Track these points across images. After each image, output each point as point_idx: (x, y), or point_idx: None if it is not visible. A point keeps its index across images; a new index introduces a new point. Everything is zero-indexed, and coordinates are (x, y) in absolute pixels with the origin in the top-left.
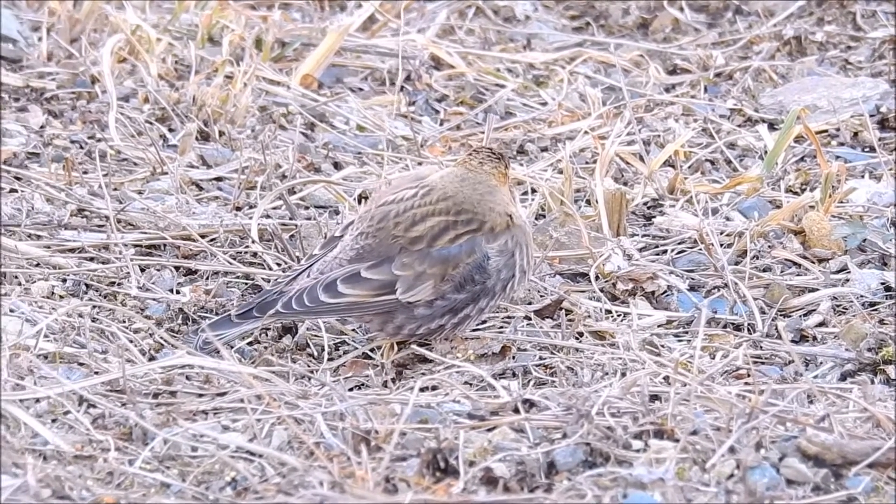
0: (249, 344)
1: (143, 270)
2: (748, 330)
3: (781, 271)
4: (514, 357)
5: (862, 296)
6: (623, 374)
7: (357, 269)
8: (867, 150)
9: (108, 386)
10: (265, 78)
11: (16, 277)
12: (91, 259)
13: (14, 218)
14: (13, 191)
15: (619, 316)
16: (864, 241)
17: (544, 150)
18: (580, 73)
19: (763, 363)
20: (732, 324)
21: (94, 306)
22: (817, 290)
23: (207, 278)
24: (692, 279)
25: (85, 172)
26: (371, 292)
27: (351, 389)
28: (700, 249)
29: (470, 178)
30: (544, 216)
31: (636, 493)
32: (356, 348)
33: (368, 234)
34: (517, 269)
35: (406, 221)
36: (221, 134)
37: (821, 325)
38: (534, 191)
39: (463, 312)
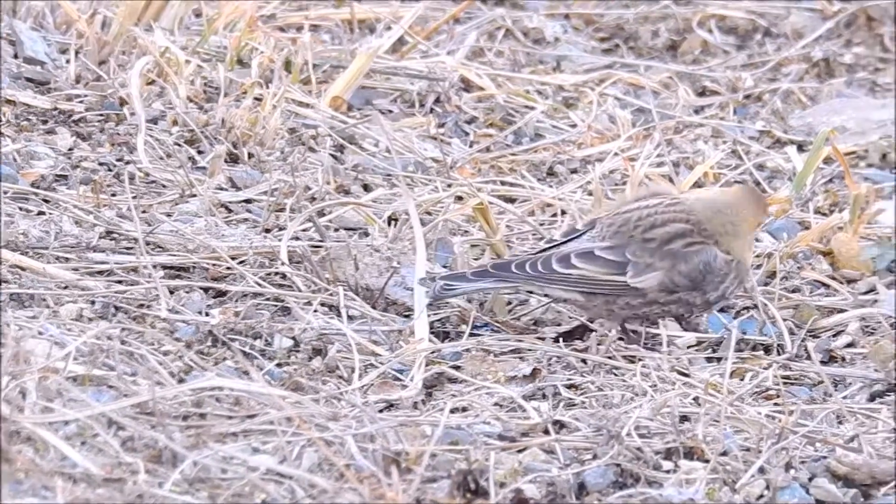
0: (279, 365)
1: (172, 293)
2: (777, 351)
3: (810, 292)
4: (543, 378)
5: (890, 316)
6: (653, 396)
7: (592, 248)
8: (895, 171)
9: (138, 408)
10: (294, 100)
11: (44, 300)
12: (120, 281)
13: (42, 241)
14: (41, 213)
15: (650, 337)
16: (893, 261)
17: (574, 171)
18: (609, 94)
19: (792, 384)
20: (762, 345)
21: (123, 328)
22: (846, 310)
23: (237, 300)
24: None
25: (113, 195)
26: (602, 270)
27: (381, 411)
28: None
29: (725, 211)
30: None
31: None
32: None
33: (606, 237)
34: (723, 287)
35: (646, 224)
36: (250, 156)
37: (849, 345)
38: (563, 213)
39: (677, 294)
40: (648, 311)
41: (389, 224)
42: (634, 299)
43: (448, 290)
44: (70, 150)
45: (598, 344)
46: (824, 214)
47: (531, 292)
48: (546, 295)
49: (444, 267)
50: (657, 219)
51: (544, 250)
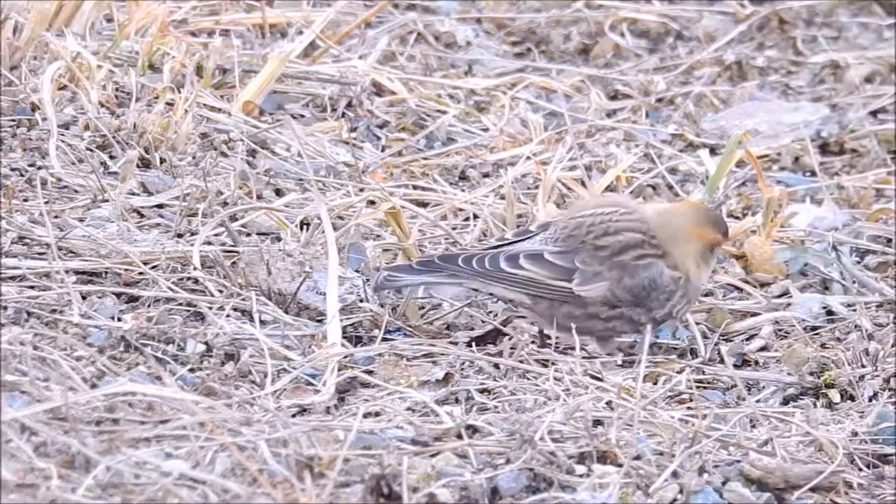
0: (191, 371)
1: (84, 298)
2: (691, 354)
3: (723, 296)
4: (456, 383)
5: (804, 320)
6: (566, 400)
7: (542, 251)
8: (808, 174)
9: (51, 414)
10: (206, 105)
11: None
12: (32, 287)
13: None
14: None
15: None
16: (806, 265)
17: (486, 175)
18: (522, 98)
19: (706, 388)
20: (675, 349)
21: (36, 334)
22: (759, 314)
23: (149, 305)
24: None
25: (25, 200)
26: (549, 274)
27: (294, 416)
28: None
29: (674, 222)
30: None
31: None
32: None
33: (559, 240)
34: (670, 305)
35: (598, 231)
36: (162, 161)
37: (763, 349)
38: (476, 217)
39: (619, 310)
40: (591, 325)
41: (302, 229)
42: (577, 309)
43: (391, 280)
44: None
45: (511, 348)
46: (737, 218)
47: (476, 290)
48: (491, 294)
49: (357, 272)
50: (610, 226)
51: (495, 247)
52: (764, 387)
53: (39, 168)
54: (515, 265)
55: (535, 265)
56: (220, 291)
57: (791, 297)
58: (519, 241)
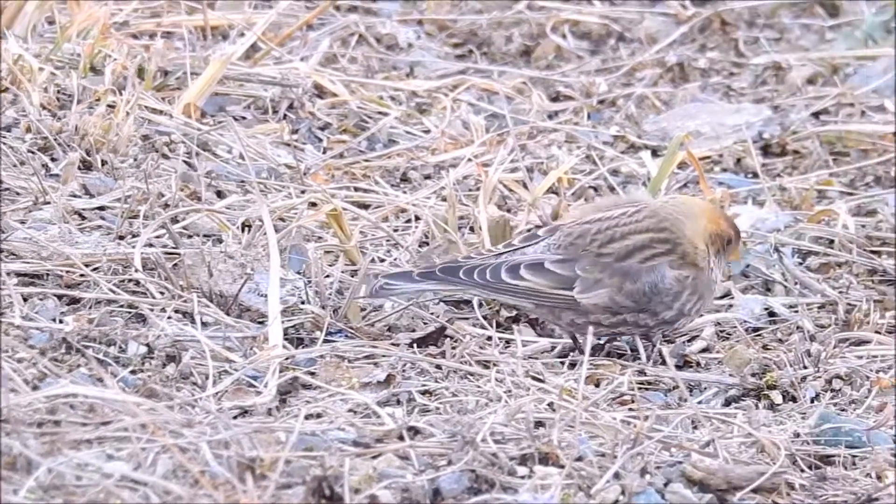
0: (133, 372)
1: (25, 300)
2: (632, 356)
3: None
4: (398, 384)
5: (746, 321)
6: (507, 401)
7: (542, 260)
8: (750, 176)
9: None
10: (148, 107)
11: None
12: None
13: None
14: None
15: (502, 343)
16: (748, 266)
17: (428, 177)
18: (463, 100)
19: (647, 389)
20: (616, 350)
21: None
22: (701, 315)
23: (91, 307)
24: None
25: None
26: (550, 284)
27: (235, 417)
28: None
29: (675, 202)
30: (428, 244)
31: None
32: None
33: (561, 247)
34: (678, 305)
35: (603, 238)
36: (104, 163)
37: (705, 350)
38: (417, 218)
39: (622, 317)
40: (596, 332)
41: (243, 230)
42: (579, 317)
43: (388, 288)
44: None
45: (453, 349)
46: None
47: (475, 295)
48: (493, 299)
49: (298, 273)
50: (616, 232)
51: (498, 255)
52: (706, 388)
53: None
54: (517, 276)
55: (536, 275)
56: (162, 293)
57: (733, 298)
58: (524, 247)
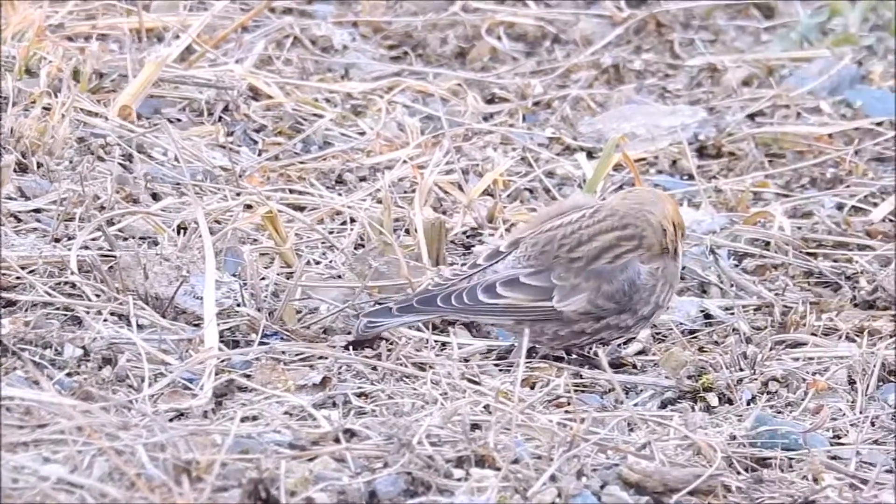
0: (69, 375)
1: None
2: (568, 358)
3: None
4: (334, 387)
5: (681, 323)
6: (443, 404)
7: (517, 275)
8: (686, 177)
9: None
10: (83, 109)
11: None
12: None
13: None
14: None
15: (439, 345)
16: (684, 268)
17: (363, 179)
18: (398, 102)
19: (583, 391)
20: (550, 353)
21: None
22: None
23: (26, 310)
24: None
25: None
26: (529, 297)
27: (171, 420)
28: None
29: (632, 196)
30: (363, 246)
31: None
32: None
33: (531, 256)
34: (654, 298)
35: (572, 243)
36: (39, 165)
37: (641, 353)
38: (353, 221)
39: (605, 321)
40: (578, 342)
41: (179, 233)
42: (563, 329)
43: (372, 326)
44: None
45: (389, 351)
46: None
47: (456, 319)
48: (473, 322)
49: (234, 276)
50: (583, 234)
51: (468, 277)
52: (642, 390)
53: None
54: (494, 295)
55: (514, 290)
56: (98, 296)
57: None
58: (491, 264)
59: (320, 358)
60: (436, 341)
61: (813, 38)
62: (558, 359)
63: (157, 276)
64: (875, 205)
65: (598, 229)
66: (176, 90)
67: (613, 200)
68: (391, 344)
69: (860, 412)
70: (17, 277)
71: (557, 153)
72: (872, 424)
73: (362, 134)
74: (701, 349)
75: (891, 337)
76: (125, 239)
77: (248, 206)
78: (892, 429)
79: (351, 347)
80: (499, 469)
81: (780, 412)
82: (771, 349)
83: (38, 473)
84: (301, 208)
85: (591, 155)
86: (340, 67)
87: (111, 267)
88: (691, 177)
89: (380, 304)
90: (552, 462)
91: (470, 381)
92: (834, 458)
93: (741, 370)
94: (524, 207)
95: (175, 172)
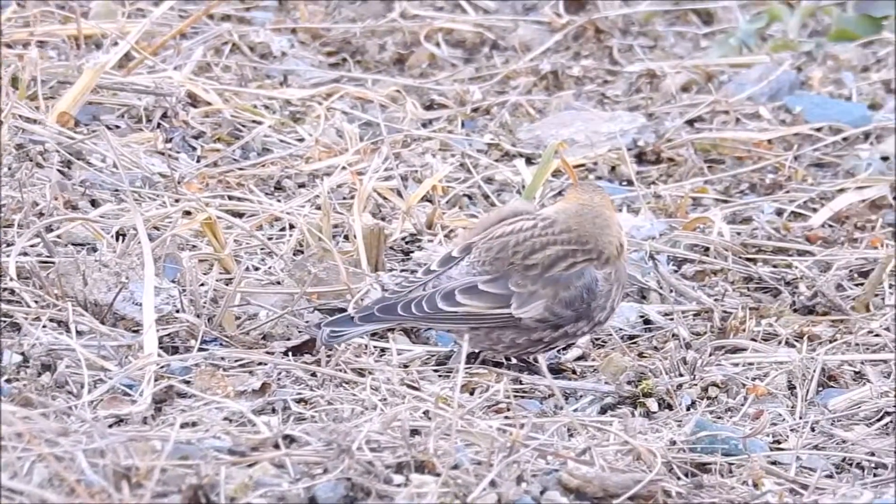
0: (8, 381)
1: None
2: (507, 364)
3: None
4: (273, 392)
5: (621, 329)
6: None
7: (474, 283)
8: (625, 183)
9: None
10: (21, 116)
11: None
12: None
13: None
14: None
15: (378, 351)
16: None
17: (302, 186)
18: (337, 108)
19: (523, 397)
20: (492, 359)
21: None
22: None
23: None
24: None
25: None
26: (487, 305)
27: (111, 426)
28: None
29: (586, 212)
30: (302, 252)
31: None
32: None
33: (486, 262)
34: (609, 303)
35: (525, 250)
36: None
37: (580, 358)
38: (292, 227)
39: (563, 329)
40: (535, 350)
41: (118, 239)
42: (520, 336)
43: (336, 335)
44: None
45: (328, 357)
46: None
47: (416, 326)
48: (430, 328)
49: (173, 282)
50: (536, 242)
51: (424, 284)
52: (581, 396)
53: None
54: (453, 302)
55: (472, 298)
56: (37, 302)
57: None
58: (446, 270)
59: (259, 364)
60: (375, 347)
61: (752, 43)
62: (498, 364)
63: (96, 282)
64: (814, 210)
65: (551, 240)
66: (114, 97)
67: (567, 214)
68: (330, 350)
69: (800, 417)
70: None
71: (496, 159)
72: (812, 429)
73: (301, 140)
74: (641, 354)
75: (830, 342)
76: (64, 245)
77: (187, 213)
78: (831, 433)
79: (290, 353)
80: (439, 475)
81: (719, 417)
82: (711, 354)
83: None
84: (240, 215)
85: (530, 161)
86: (279, 74)
87: (50, 273)
88: (630, 182)
89: (340, 311)
90: (492, 468)
91: (409, 386)
92: (774, 463)
93: (681, 375)
94: (463, 214)
95: (114, 179)
